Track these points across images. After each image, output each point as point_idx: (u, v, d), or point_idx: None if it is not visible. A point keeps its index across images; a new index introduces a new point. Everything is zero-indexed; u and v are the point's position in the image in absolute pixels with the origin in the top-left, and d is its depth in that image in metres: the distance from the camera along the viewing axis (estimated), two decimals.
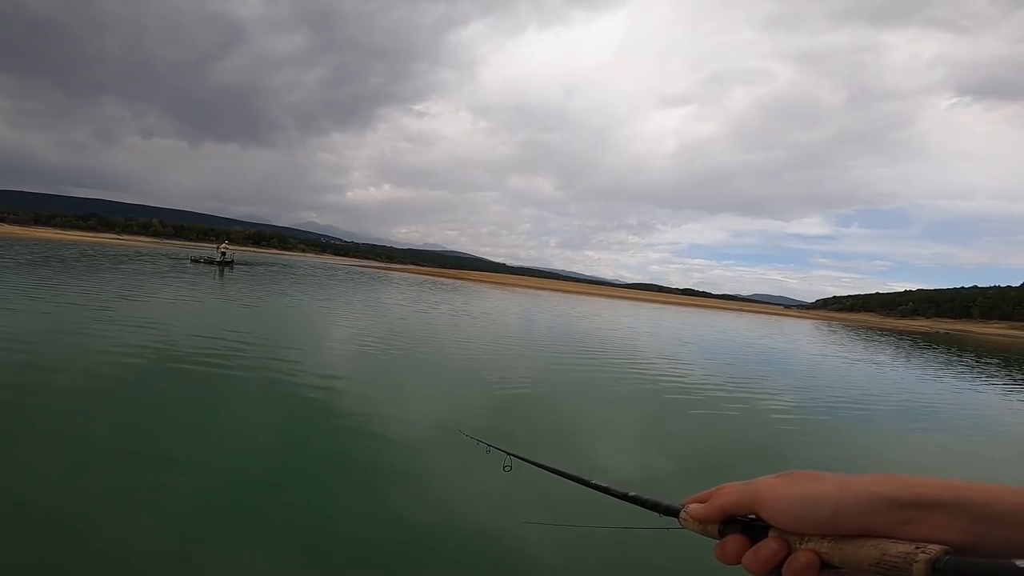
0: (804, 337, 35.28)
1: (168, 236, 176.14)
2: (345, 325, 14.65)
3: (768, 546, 0.43)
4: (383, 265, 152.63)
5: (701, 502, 0.49)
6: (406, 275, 73.45)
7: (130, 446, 4.58)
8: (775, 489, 0.44)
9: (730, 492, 0.47)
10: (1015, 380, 19.87)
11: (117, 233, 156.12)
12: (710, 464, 6.04)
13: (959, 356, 30.21)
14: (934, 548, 0.37)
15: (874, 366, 19.73)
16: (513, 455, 0.87)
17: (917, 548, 0.37)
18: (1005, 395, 15.40)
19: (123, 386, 6.27)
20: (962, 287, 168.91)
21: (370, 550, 3.37)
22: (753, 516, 0.45)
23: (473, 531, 3.61)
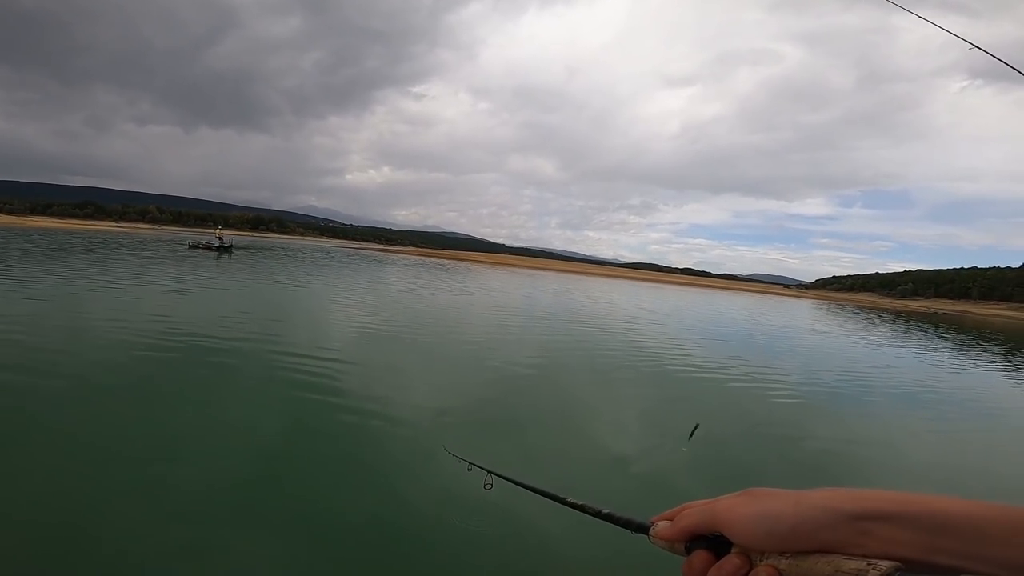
0: (805, 316, 35.55)
1: (166, 222, 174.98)
2: (343, 310, 14.87)
3: (731, 562, 0.44)
4: (382, 247, 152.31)
5: (669, 519, 0.50)
6: (406, 257, 73.44)
7: (134, 437, 4.62)
8: (734, 509, 0.45)
9: (692, 513, 0.48)
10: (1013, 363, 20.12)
11: (114, 220, 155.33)
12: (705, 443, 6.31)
13: (959, 338, 30.45)
14: (884, 565, 0.38)
15: (866, 346, 20.00)
16: (494, 473, 0.89)
17: (869, 565, 0.38)
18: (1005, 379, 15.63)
19: (124, 376, 6.34)
20: (962, 268, 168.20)
21: (368, 542, 3.43)
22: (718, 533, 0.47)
23: (452, 538, 3.56)
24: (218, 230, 41.63)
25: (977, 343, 25.28)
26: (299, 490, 4.02)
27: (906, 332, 28.55)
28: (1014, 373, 15.73)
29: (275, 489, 4.01)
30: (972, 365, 16.37)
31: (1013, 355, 21.21)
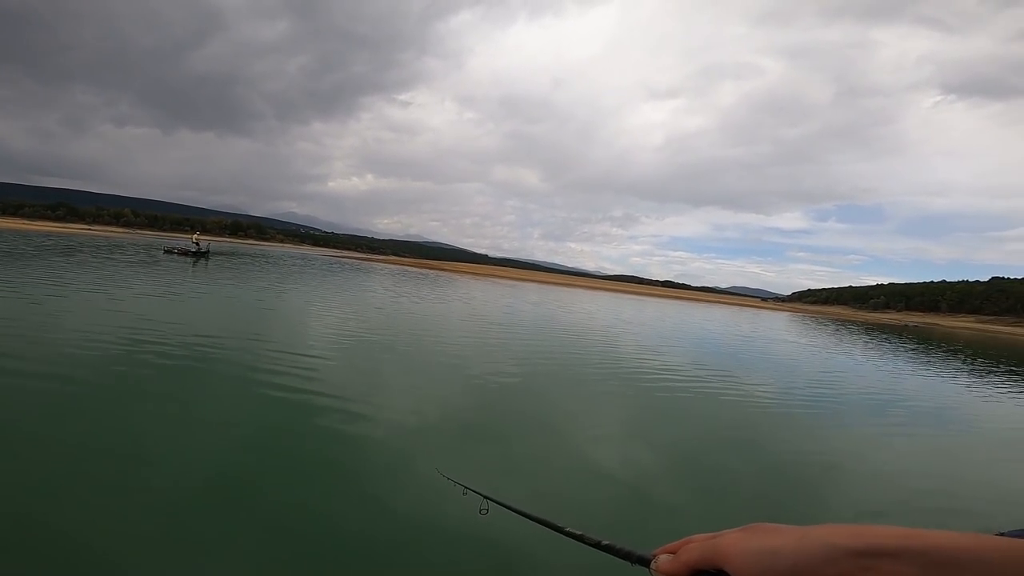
0: (783, 329, 36.21)
1: (141, 226, 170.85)
2: (322, 319, 14.71)
3: None
4: (364, 256, 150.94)
5: (671, 552, 0.50)
6: (387, 266, 72.95)
7: (108, 445, 4.52)
8: (737, 544, 0.45)
9: (694, 548, 0.48)
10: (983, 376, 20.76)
11: (87, 223, 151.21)
12: (690, 456, 6.40)
13: (927, 351, 31.24)
14: None
15: (842, 357, 20.45)
16: (490, 499, 0.86)
17: None
18: (973, 392, 16.14)
19: (97, 384, 6.17)
20: (932, 281, 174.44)
21: (349, 554, 3.37)
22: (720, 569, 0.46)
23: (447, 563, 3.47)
24: (195, 235, 40.87)
25: (944, 354, 26.09)
26: (279, 504, 3.89)
27: (877, 343, 29.30)
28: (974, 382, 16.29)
29: (253, 504, 3.90)
30: (941, 375, 16.90)
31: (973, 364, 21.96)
